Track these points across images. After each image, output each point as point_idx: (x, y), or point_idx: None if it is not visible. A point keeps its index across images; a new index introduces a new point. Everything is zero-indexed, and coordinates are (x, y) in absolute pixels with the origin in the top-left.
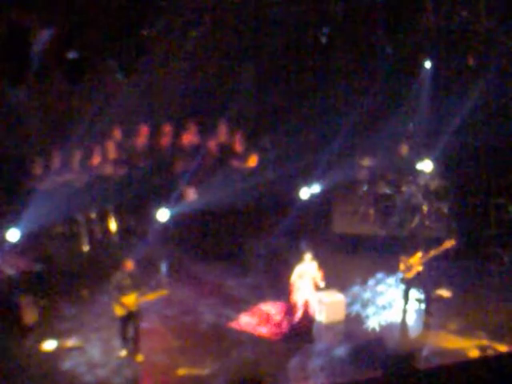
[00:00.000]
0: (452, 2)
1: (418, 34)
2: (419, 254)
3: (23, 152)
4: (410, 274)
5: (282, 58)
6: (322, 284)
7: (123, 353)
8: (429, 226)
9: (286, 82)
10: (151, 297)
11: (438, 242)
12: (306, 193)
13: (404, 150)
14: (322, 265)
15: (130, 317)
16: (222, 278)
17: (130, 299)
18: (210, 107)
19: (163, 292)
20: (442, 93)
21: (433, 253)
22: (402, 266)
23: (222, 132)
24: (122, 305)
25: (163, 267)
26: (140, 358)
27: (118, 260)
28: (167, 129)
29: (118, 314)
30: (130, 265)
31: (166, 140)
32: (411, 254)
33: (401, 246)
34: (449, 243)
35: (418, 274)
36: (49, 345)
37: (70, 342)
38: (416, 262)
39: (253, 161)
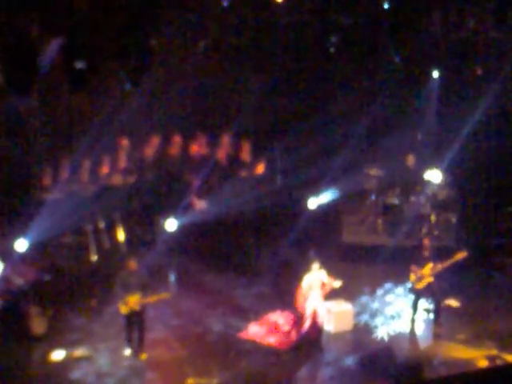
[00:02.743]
0: (460, 11)
1: (425, 43)
2: (430, 265)
3: (31, 162)
4: (421, 285)
5: (289, 68)
6: (337, 283)
7: (127, 352)
8: (437, 235)
9: (293, 91)
10: (153, 299)
11: (447, 251)
12: (314, 202)
13: (412, 159)
14: (331, 274)
15: (134, 316)
16: (230, 287)
17: (135, 298)
18: (218, 118)
19: (166, 295)
20: (449, 103)
21: (444, 264)
22: (412, 276)
23: (230, 142)
24: (127, 303)
25: (171, 277)
26: (144, 356)
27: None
28: (176, 139)
29: (122, 312)
30: (133, 265)
31: (174, 150)
32: (422, 264)
33: (409, 255)
34: (461, 255)
35: (429, 284)
36: (57, 355)
37: (79, 352)
38: (427, 273)
39: (260, 169)
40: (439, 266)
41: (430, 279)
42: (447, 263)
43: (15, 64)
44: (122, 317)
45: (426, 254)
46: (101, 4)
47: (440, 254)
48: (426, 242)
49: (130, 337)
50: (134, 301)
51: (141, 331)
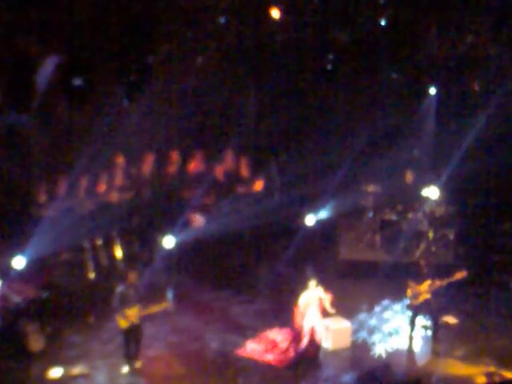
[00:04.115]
0: (457, 27)
1: (423, 59)
2: (428, 282)
3: (29, 179)
4: (417, 301)
5: (287, 85)
6: (331, 310)
7: (126, 369)
8: (435, 252)
9: (291, 108)
10: (153, 309)
11: (444, 268)
12: (311, 219)
13: (409, 176)
14: (328, 291)
15: (133, 329)
16: (228, 304)
17: (133, 311)
18: (216, 134)
19: (165, 304)
20: (447, 119)
21: (443, 282)
22: (409, 292)
23: (228, 159)
24: (125, 317)
25: (169, 294)
26: (138, 364)
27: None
28: (174, 156)
29: (121, 327)
30: (133, 277)
31: (172, 167)
32: (420, 280)
33: (407, 272)
34: (460, 274)
35: (426, 301)
36: (55, 372)
37: (77, 370)
38: (424, 289)
39: (258, 186)
40: (437, 283)
41: (427, 296)
42: (446, 281)
43: (13, 81)
44: (120, 333)
45: (424, 270)
46: (99, 21)
47: (439, 271)
48: (424, 258)
49: (128, 353)
50: (133, 314)
51: (137, 345)
